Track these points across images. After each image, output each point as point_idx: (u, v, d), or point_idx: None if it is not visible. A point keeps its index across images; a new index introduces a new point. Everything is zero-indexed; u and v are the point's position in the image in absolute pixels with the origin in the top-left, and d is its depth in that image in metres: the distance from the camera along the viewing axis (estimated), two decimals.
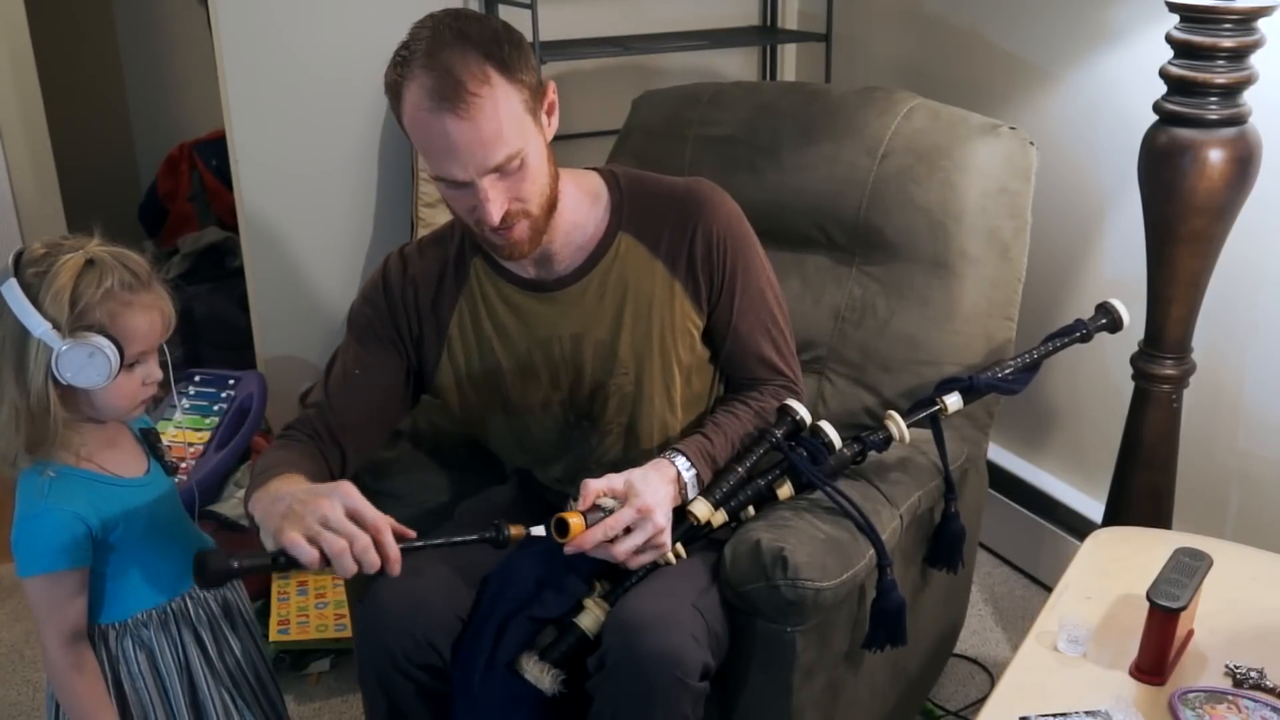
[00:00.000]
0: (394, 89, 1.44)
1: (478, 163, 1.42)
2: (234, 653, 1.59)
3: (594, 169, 1.67)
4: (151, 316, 1.42)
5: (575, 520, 1.46)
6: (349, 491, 1.37)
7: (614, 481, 1.51)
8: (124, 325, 1.38)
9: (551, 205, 1.53)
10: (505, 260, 1.57)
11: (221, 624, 1.57)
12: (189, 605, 1.54)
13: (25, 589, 1.44)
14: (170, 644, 1.52)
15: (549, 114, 1.51)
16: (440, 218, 2.42)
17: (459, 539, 1.44)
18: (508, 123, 1.42)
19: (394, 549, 1.35)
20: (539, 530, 1.46)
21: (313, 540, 1.31)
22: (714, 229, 1.61)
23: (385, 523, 1.35)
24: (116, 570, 1.47)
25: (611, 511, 1.48)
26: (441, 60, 1.39)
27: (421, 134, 1.43)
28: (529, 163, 1.46)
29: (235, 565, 1.34)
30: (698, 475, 1.57)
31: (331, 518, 1.33)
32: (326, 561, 1.32)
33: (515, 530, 1.45)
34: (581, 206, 1.60)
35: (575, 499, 1.50)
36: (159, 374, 1.45)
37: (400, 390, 1.66)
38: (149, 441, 1.56)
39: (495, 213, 1.45)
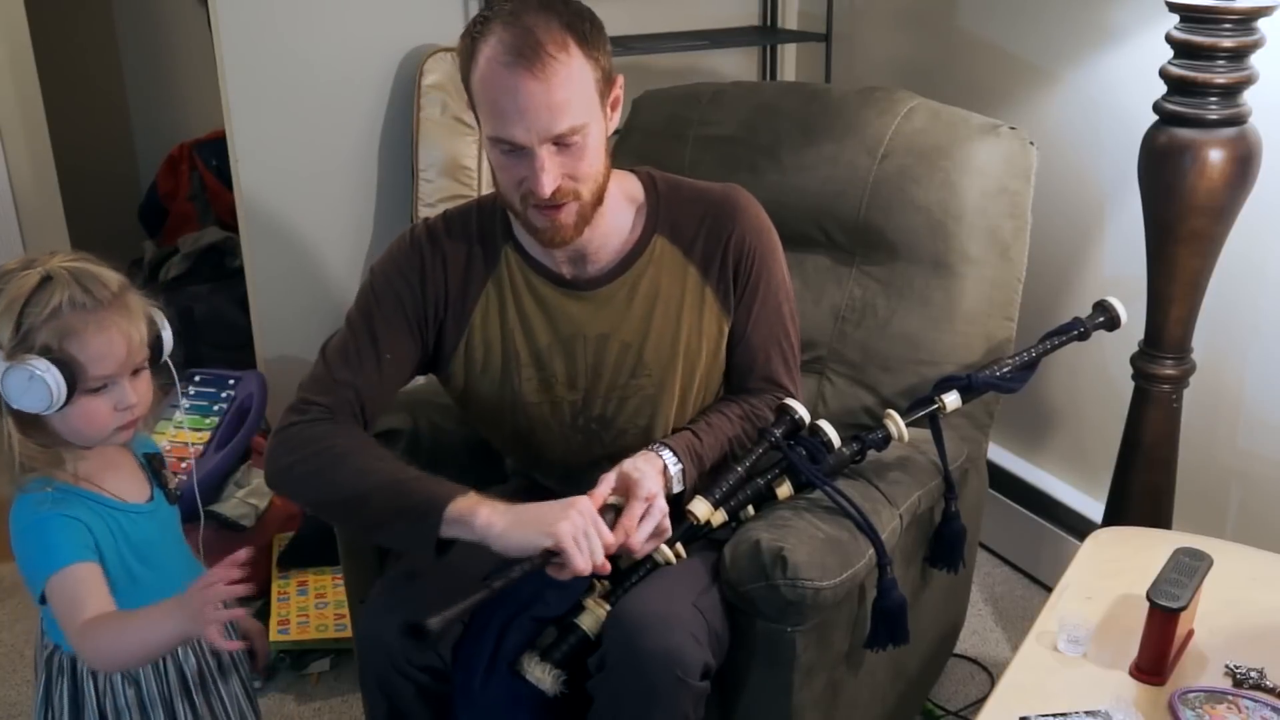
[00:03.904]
0: (468, 48, 1.45)
1: (542, 127, 1.41)
2: (221, 698, 1.52)
3: (631, 170, 1.66)
4: (109, 337, 1.34)
5: None
6: (592, 506, 1.46)
7: (608, 480, 1.51)
8: (76, 347, 1.32)
9: (600, 196, 1.52)
10: (546, 245, 1.55)
11: (206, 663, 1.51)
12: (178, 648, 1.47)
13: (48, 599, 1.36)
14: (158, 680, 1.46)
15: (613, 108, 1.52)
16: None
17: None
18: (578, 94, 1.42)
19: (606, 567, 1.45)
20: None
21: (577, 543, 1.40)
22: (747, 237, 1.62)
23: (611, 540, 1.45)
24: (119, 599, 1.39)
25: (618, 507, 1.49)
26: (524, 21, 1.41)
27: (490, 90, 1.43)
28: (589, 143, 1.45)
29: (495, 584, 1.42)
30: (683, 471, 1.57)
31: (589, 530, 1.42)
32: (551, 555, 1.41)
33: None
34: (620, 206, 1.60)
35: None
36: (133, 399, 1.37)
37: (413, 369, 1.65)
38: (153, 467, 1.51)
39: (548, 184, 1.44)
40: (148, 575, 1.43)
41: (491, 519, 1.42)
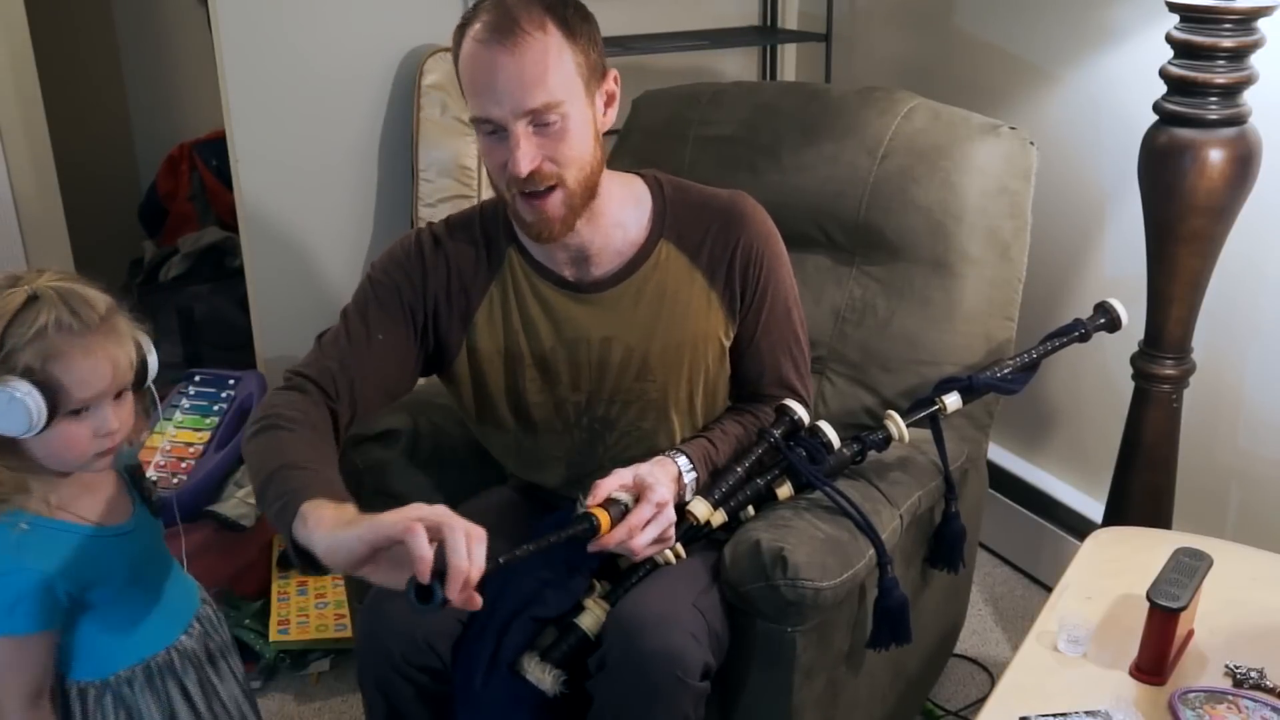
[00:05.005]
0: (458, 36, 1.46)
1: (514, 101, 1.41)
2: (221, 700, 1.50)
3: (637, 173, 1.66)
4: (95, 363, 1.29)
5: (605, 518, 1.46)
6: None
7: (624, 477, 1.51)
8: (60, 370, 1.27)
9: (589, 189, 1.51)
10: (536, 239, 1.53)
11: (208, 670, 1.49)
12: (174, 658, 1.45)
13: None
14: (157, 701, 1.43)
15: (607, 104, 1.52)
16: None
17: (555, 538, 1.41)
18: (554, 71, 1.42)
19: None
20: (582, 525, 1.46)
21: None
22: (754, 244, 1.62)
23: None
24: (95, 627, 1.37)
25: (626, 505, 1.48)
26: (505, 3, 1.42)
27: (469, 68, 1.44)
28: (570, 126, 1.44)
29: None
30: (697, 478, 1.57)
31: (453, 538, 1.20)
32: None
33: (603, 516, 1.45)
34: (625, 209, 1.60)
35: (583, 498, 1.50)
36: (114, 424, 1.32)
37: (411, 365, 1.61)
38: (134, 480, 1.45)
39: (523, 164, 1.43)
40: (136, 592, 1.41)
41: (320, 519, 1.24)
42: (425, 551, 1.15)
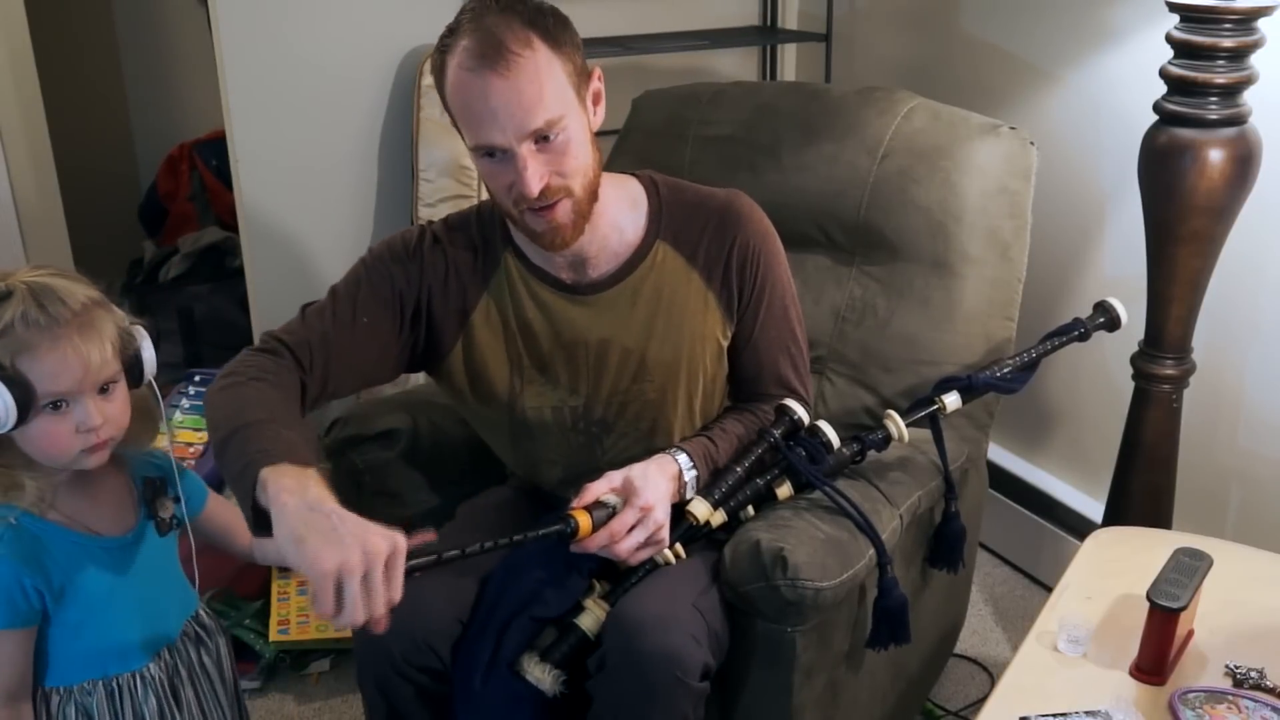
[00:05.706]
0: (439, 66, 1.44)
1: (517, 125, 1.40)
2: None
3: (632, 174, 1.65)
4: (63, 355, 1.28)
5: (585, 520, 1.46)
6: (401, 552, 1.23)
7: (613, 479, 1.51)
8: (27, 364, 1.27)
9: (593, 192, 1.50)
10: (548, 249, 1.53)
11: (168, 702, 1.45)
12: (137, 683, 1.41)
13: None
14: (114, 717, 1.40)
15: (595, 103, 1.51)
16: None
17: (520, 537, 1.42)
18: (549, 87, 1.41)
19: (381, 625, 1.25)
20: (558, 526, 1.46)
21: (338, 587, 1.19)
22: (751, 243, 1.61)
23: (399, 595, 1.24)
24: (66, 634, 1.36)
25: (614, 507, 1.48)
26: (485, 24, 1.40)
27: (461, 97, 1.42)
28: (571, 137, 1.44)
29: None
30: (698, 476, 1.57)
31: (373, 577, 1.20)
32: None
33: (582, 518, 1.45)
34: (621, 210, 1.59)
35: (572, 499, 1.50)
36: (96, 420, 1.31)
37: (392, 355, 1.59)
38: (149, 493, 1.42)
39: (534, 184, 1.42)
40: (114, 607, 1.39)
41: (282, 500, 1.23)
42: (326, 610, 1.20)
